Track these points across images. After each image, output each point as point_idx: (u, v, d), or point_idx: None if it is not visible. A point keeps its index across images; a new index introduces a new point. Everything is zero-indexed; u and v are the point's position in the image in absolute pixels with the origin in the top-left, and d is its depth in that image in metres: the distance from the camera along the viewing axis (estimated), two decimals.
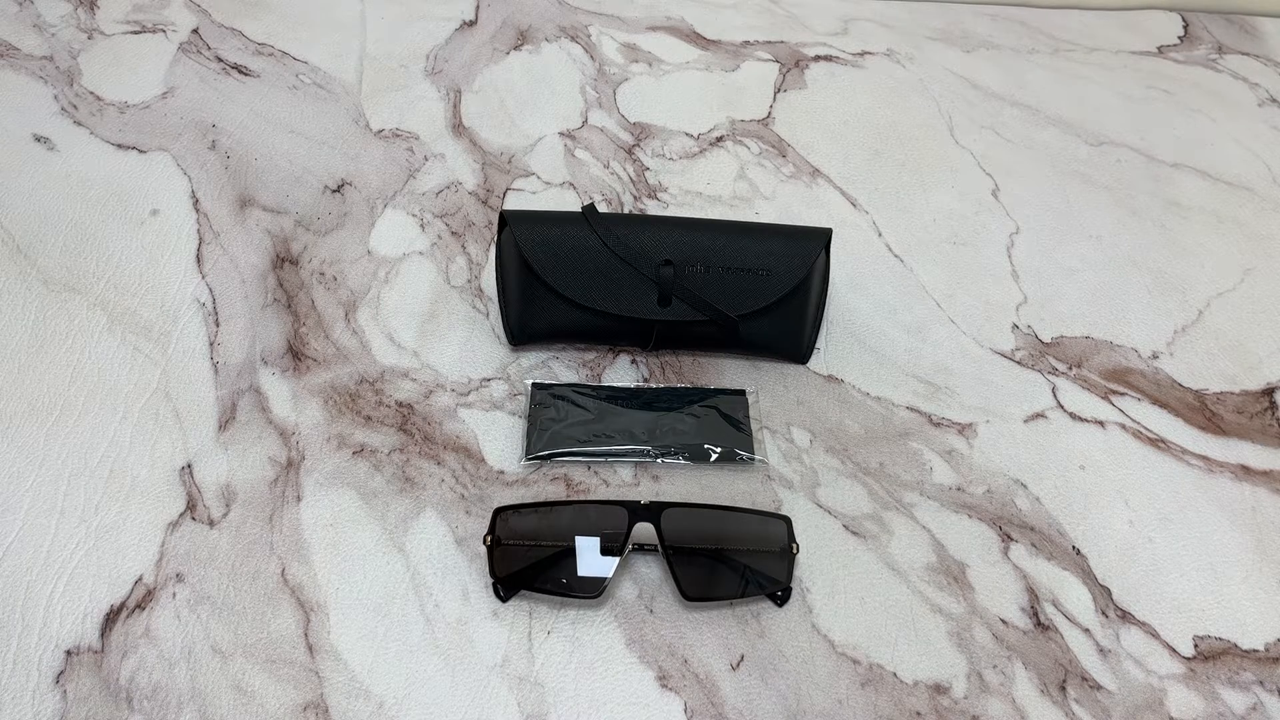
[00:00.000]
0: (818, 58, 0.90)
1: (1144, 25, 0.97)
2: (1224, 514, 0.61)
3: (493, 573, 0.53)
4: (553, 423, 0.61)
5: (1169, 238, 0.77)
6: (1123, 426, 0.65)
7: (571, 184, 0.77)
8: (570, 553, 0.53)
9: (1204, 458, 0.64)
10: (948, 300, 0.72)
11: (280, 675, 0.51)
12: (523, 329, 0.64)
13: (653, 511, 0.52)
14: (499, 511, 0.54)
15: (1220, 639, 0.55)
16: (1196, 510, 0.61)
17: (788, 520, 0.55)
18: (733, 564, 0.53)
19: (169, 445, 0.60)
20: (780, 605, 0.55)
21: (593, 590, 0.52)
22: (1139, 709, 0.52)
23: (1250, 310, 0.73)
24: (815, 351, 0.67)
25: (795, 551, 0.55)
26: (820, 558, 0.57)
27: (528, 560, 0.53)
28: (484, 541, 0.53)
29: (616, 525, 0.53)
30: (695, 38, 0.91)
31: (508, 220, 0.62)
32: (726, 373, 0.66)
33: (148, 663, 0.51)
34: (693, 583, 0.52)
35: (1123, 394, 0.67)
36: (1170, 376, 0.68)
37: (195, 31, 0.86)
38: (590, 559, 0.52)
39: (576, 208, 0.63)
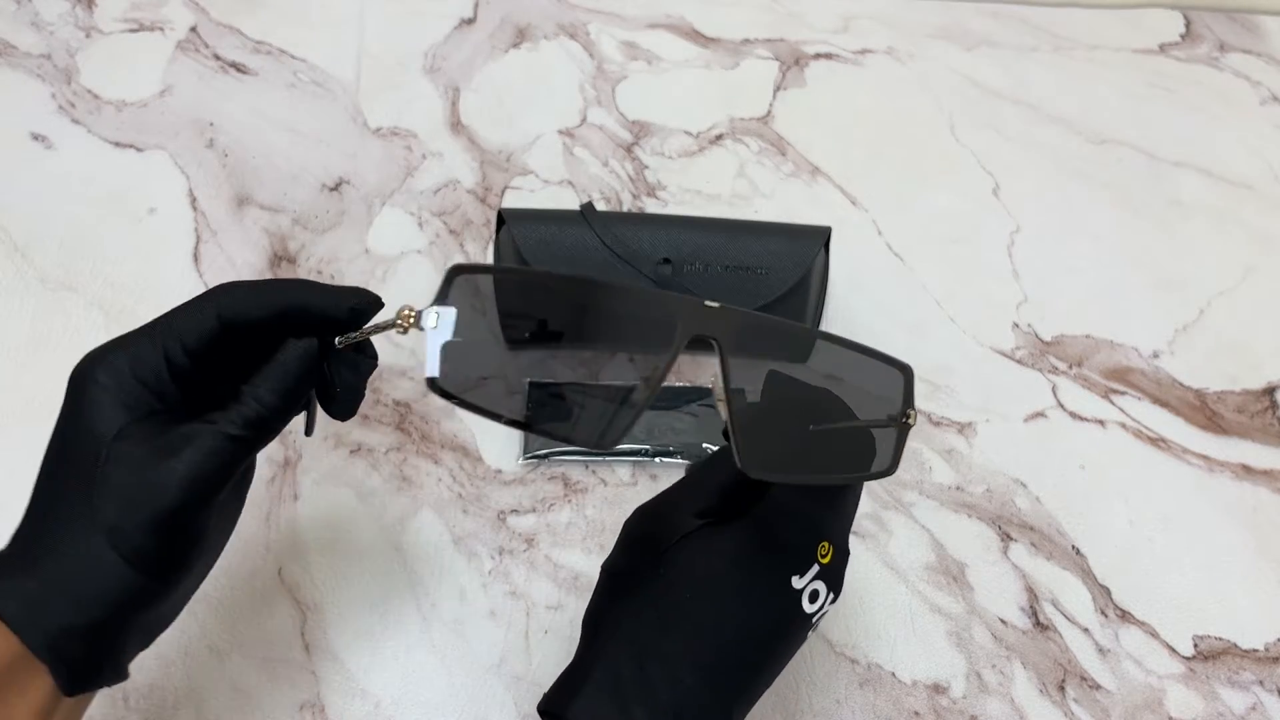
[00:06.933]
0: (818, 55, 0.90)
1: (1146, 23, 0.97)
2: (1224, 513, 0.61)
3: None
4: None
5: (1170, 236, 0.77)
6: (1123, 426, 0.65)
7: (570, 182, 0.77)
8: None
9: (1204, 457, 0.63)
10: (947, 299, 0.71)
11: (277, 674, 0.51)
12: None
13: (716, 323, 0.31)
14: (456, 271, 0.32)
15: (1220, 639, 0.55)
16: (1197, 510, 0.61)
17: (908, 370, 0.39)
18: (829, 423, 0.36)
19: None
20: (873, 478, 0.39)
21: (606, 437, 0.33)
22: (1138, 709, 0.52)
23: (1252, 309, 0.72)
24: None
25: (910, 420, 0.39)
26: None
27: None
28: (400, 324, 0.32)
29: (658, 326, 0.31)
30: (695, 35, 0.91)
31: (506, 218, 0.62)
32: None
33: (144, 661, 0.51)
34: (760, 451, 0.33)
35: (1123, 393, 0.66)
36: (1171, 375, 0.68)
37: (193, 29, 0.86)
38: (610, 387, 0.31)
39: (575, 206, 0.63)
